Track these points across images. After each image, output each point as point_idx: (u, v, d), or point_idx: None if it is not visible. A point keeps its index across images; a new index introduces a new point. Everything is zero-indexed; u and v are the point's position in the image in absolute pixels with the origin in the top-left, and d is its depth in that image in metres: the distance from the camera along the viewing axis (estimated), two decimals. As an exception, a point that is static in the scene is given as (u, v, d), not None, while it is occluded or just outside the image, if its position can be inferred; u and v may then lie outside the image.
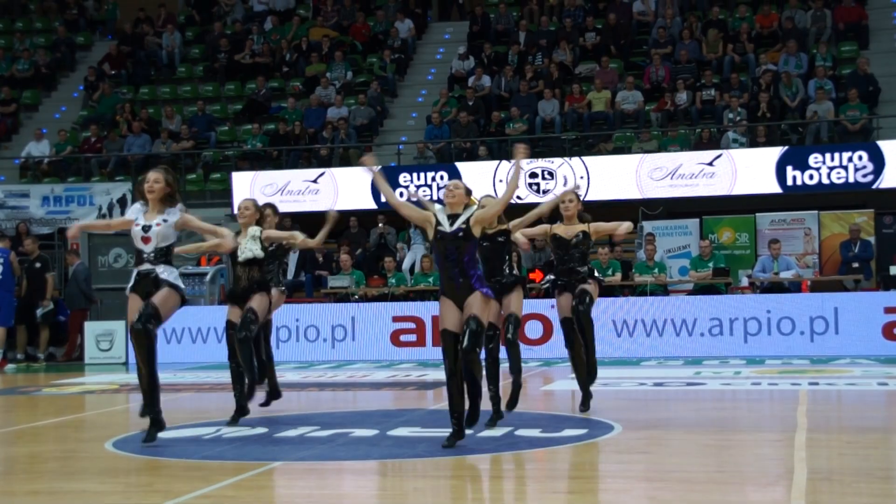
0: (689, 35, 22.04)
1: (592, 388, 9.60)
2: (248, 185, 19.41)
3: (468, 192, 7.80)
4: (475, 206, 7.80)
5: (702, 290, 16.45)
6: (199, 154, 21.57)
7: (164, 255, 7.96)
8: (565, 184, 18.27)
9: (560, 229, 9.42)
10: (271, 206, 9.74)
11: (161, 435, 8.48)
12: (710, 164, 17.87)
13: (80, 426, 9.40)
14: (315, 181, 19.26)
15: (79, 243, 19.29)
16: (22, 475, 7.20)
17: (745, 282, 16.80)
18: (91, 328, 17.15)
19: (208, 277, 17.65)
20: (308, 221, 18.47)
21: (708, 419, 9.33)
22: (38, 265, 17.29)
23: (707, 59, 21.61)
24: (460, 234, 7.54)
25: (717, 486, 6.45)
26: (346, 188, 19.12)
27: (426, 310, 16.08)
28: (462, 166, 18.93)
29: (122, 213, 19.26)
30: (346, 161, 20.79)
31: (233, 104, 23.52)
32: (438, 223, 7.65)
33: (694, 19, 22.60)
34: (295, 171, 19.76)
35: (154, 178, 7.97)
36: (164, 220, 7.92)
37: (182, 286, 8.00)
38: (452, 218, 7.64)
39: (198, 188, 21.19)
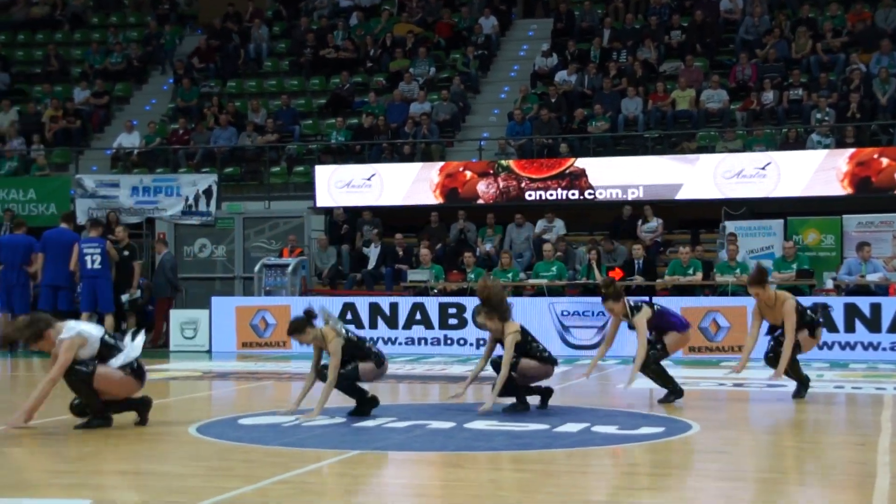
0: (779, 34, 21.70)
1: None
2: (327, 179, 19.66)
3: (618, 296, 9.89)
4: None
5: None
6: (284, 147, 21.87)
7: None
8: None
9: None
10: None
11: (242, 421, 8.70)
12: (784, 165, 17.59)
13: (164, 411, 9.61)
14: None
15: (165, 233, 19.72)
16: (110, 456, 7.42)
17: (829, 284, 16.49)
18: (176, 316, 17.50)
19: (290, 269, 17.89)
20: (381, 213, 18.75)
21: (788, 421, 9.22)
22: (126, 253, 17.67)
23: (795, 58, 21.26)
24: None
25: (795, 487, 6.38)
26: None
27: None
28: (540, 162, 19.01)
29: (208, 204, 19.79)
30: (428, 156, 20.91)
31: (317, 98, 23.80)
32: None
33: (783, 17, 22.24)
34: (377, 165, 19.96)
35: None
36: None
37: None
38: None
39: (281, 181, 21.51)
